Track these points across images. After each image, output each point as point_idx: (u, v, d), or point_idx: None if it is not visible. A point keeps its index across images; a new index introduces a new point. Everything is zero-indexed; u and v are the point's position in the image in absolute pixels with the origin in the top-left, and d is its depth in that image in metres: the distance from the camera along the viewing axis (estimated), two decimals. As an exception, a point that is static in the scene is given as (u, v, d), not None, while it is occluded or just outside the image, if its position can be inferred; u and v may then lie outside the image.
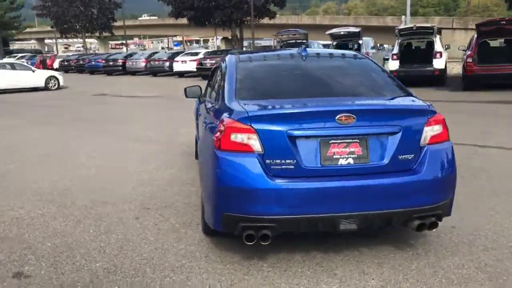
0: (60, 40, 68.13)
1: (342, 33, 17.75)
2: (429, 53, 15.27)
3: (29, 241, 3.74)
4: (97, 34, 52.73)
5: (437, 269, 3.12)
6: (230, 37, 38.56)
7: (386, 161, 3.00)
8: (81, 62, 33.77)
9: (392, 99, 3.37)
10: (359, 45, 17.36)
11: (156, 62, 27.45)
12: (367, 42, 18.42)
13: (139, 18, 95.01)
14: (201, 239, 3.64)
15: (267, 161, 2.91)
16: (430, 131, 3.09)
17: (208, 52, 26.95)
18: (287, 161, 2.90)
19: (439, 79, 15.04)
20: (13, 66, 20.59)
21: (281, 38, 20.76)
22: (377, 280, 2.99)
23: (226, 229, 3.06)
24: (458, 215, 3.94)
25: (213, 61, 22.52)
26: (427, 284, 2.92)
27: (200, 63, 23.23)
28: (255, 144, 2.91)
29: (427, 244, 3.50)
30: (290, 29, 20.94)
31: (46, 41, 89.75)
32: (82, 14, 47.02)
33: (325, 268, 3.15)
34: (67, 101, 15.68)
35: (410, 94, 3.44)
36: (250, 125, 2.91)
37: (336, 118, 2.91)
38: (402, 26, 15.75)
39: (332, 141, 2.95)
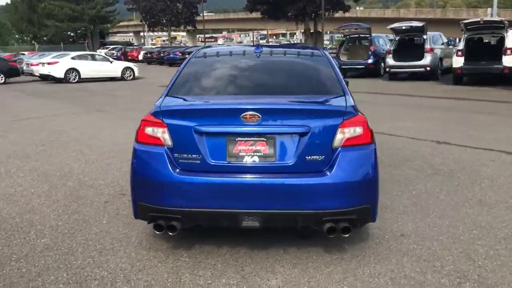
0: (156, 34, 72.11)
1: (404, 27, 16.93)
2: (498, 50, 14.09)
3: (4, 215, 4.19)
4: (181, 27, 55.07)
5: (348, 275, 3.02)
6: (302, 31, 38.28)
7: (292, 161, 2.96)
8: (161, 54, 35.56)
9: (313, 99, 3.28)
10: (424, 40, 16.46)
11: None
12: (434, 37, 17.36)
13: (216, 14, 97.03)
14: (146, 227, 3.83)
15: (175, 154, 3.02)
16: (345, 133, 2.99)
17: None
18: (193, 155, 2.99)
19: (510, 78, 13.84)
20: (93, 57, 22.34)
21: (343, 32, 20.31)
22: (279, 280, 2.97)
23: (141, 218, 3.21)
24: (421, 224, 3.77)
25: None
26: (325, 289, 2.86)
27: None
28: (165, 137, 3.03)
29: (360, 249, 3.38)
30: (352, 23, 20.38)
31: (142, 34, 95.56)
32: (168, 8, 49.38)
33: (238, 264, 3.18)
34: (132, 91, 16.73)
35: (344, 95, 3.32)
36: (162, 120, 3.04)
37: (241, 116, 2.93)
38: (469, 20, 14.64)
39: (238, 138, 2.98)
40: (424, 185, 4.86)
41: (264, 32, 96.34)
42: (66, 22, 52.61)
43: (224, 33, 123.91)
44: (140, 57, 39.24)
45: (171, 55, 33.33)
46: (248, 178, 2.94)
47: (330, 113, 3.01)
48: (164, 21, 51.63)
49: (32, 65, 22.25)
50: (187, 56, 28.99)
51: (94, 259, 3.28)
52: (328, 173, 2.94)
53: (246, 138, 2.98)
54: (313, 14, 34.13)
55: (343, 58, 19.70)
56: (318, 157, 2.96)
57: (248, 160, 2.97)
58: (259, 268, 3.12)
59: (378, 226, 3.75)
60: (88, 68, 21.40)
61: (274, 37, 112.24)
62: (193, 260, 3.25)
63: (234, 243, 3.46)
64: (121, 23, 78.89)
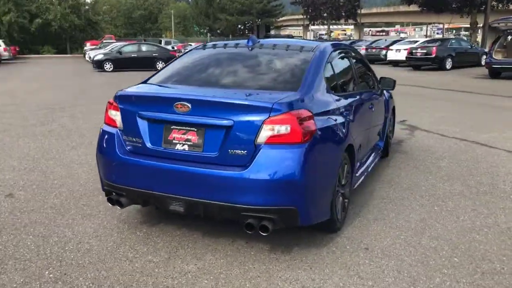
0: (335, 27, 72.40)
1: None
2: None
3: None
4: (342, 21, 54.68)
5: (274, 276, 2.96)
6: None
7: (217, 153, 2.99)
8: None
9: (254, 93, 3.19)
10: None
11: (373, 50, 27.19)
12: None
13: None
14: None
15: (124, 137, 3.31)
16: (269, 130, 2.90)
17: (427, 40, 25.14)
18: (136, 139, 3.24)
19: None
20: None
21: (498, 26, 17.81)
22: (193, 265, 3.06)
23: (104, 191, 3.58)
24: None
25: (424, 51, 21.14)
26: (196, 281, 2.86)
27: (410, 52, 22.04)
28: (118, 120, 3.34)
29: (305, 254, 3.25)
30: (509, 17, 17.64)
31: (312, 27, 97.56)
32: (329, 1, 49.48)
33: (176, 246, 3.33)
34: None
35: (299, 92, 3.19)
36: (117, 104, 3.36)
37: (174, 105, 3.07)
38: None
39: (173, 126, 3.12)
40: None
41: (440, 25, 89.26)
42: (235, 15, 56.79)
43: (397, 26, 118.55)
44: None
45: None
46: (176, 165, 3.08)
47: (255, 109, 2.94)
48: (325, 14, 51.91)
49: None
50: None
51: (37, 230, 3.63)
52: (248, 169, 2.90)
53: (180, 127, 3.11)
54: (483, 6, 30.52)
55: (497, 56, 17.41)
56: (240, 151, 2.93)
57: (179, 148, 3.11)
58: (189, 253, 3.24)
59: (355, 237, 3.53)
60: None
61: (453, 31, 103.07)
62: (143, 236, 3.53)
63: (193, 228, 3.62)
64: (288, 17, 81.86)
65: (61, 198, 4.33)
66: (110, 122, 3.41)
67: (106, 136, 3.40)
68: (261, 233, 2.96)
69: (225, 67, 3.81)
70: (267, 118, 2.89)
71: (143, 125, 3.21)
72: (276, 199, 2.89)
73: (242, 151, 2.92)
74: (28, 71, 23.90)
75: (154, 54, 23.57)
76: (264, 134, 2.89)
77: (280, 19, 70.98)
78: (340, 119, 3.51)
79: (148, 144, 3.19)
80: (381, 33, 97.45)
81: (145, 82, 3.73)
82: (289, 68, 3.62)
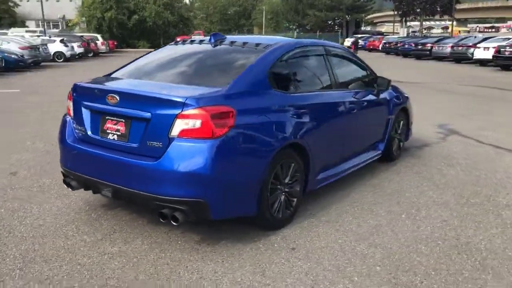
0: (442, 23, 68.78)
1: None
2: None
3: None
4: (437, 17, 51.60)
5: (164, 262, 3.08)
6: None
7: (138, 144, 3.15)
8: (398, 45, 34.51)
9: (180, 88, 3.32)
10: None
11: (460, 48, 25.38)
12: None
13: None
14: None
15: (73, 125, 3.60)
16: (181, 124, 2.99)
17: (519, 38, 22.87)
18: (81, 128, 3.50)
19: None
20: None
21: None
22: (117, 248, 3.26)
23: (62, 174, 3.88)
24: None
25: (513, 49, 19.36)
26: (107, 262, 3.02)
27: (498, 51, 20.26)
28: (71, 109, 3.64)
29: (224, 247, 3.30)
30: None
31: (411, 23, 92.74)
32: (423, -4, 46.99)
33: (138, 232, 3.55)
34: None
35: (226, 87, 3.25)
36: (72, 94, 3.65)
37: (106, 97, 3.28)
38: None
39: (107, 117, 3.34)
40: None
41: None
42: (324, 11, 56.16)
43: (510, 22, 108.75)
44: (380, 46, 38.96)
45: (406, 46, 32.01)
46: (106, 153, 3.29)
47: (171, 103, 3.04)
48: (418, 10, 49.34)
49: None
50: (419, 47, 26.83)
51: (45, 199, 4.18)
52: (161, 160, 3.03)
53: (112, 118, 3.31)
54: None
55: None
56: (157, 143, 3.06)
57: (110, 138, 3.32)
58: (121, 237, 3.45)
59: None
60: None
61: None
62: (94, 217, 3.80)
63: (142, 215, 3.82)
64: (380, 14, 78.81)
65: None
66: (67, 111, 3.72)
67: (63, 124, 3.72)
68: (173, 223, 3.07)
69: (176, 62, 3.95)
70: (180, 112, 2.98)
71: (86, 114, 3.47)
72: (184, 191, 2.99)
73: (158, 143, 3.06)
74: (118, 61, 25.74)
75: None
76: (177, 127, 2.99)
77: (372, 15, 68.84)
78: (282, 117, 3.49)
79: (89, 133, 3.44)
80: (490, 30, 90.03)
81: (108, 74, 3.99)
82: (232, 65, 3.66)
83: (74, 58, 26.99)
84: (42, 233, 3.50)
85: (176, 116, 2.99)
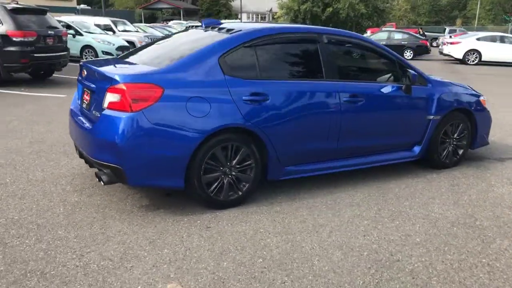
0: None
1: None
2: None
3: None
4: None
5: (100, 225, 3.55)
6: None
7: (91, 112, 3.68)
8: None
9: (125, 66, 3.82)
10: None
11: None
12: None
13: None
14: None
15: (78, 98, 4.31)
16: (110, 97, 3.39)
17: None
18: (78, 101, 4.21)
19: None
20: (502, 40, 20.73)
21: None
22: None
23: None
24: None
25: None
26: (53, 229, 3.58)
27: None
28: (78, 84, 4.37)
29: (170, 218, 3.62)
30: None
31: None
32: None
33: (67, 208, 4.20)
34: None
35: (162, 67, 3.55)
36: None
37: (82, 71, 3.89)
38: None
39: (84, 88, 3.96)
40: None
41: None
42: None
43: None
44: None
45: None
46: (78, 120, 3.91)
47: (105, 78, 3.45)
48: None
49: (444, 44, 22.98)
50: None
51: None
52: (93, 127, 3.52)
53: (85, 89, 3.92)
54: None
55: None
56: (97, 112, 3.55)
57: (84, 106, 3.93)
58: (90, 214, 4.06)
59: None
60: (492, 51, 20.28)
61: None
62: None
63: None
64: None
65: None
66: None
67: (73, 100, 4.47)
68: (101, 183, 3.53)
69: (163, 46, 4.33)
70: (109, 86, 3.40)
71: (79, 88, 4.16)
72: (106, 157, 3.41)
73: (97, 112, 3.54)
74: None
75: (403, 43, 23.00)
76: (107, 100, 3.42)
77: None
78: (226, 101, 3.56)
79: (79, 102, 4.12)
80: None
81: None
82: (192, 48, 3.82)
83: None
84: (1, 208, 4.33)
85: (107, 90, 3.41)
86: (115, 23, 18.05)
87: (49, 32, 10.12)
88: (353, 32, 4.63)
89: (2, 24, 9.42)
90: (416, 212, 3.85)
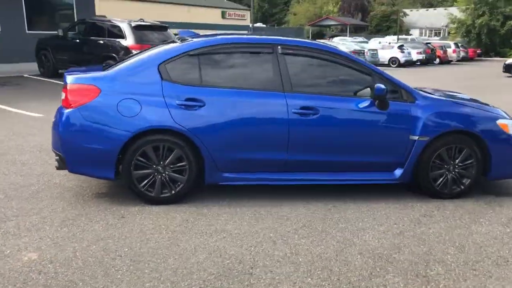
0: None
1: None
2: None
3: None
4: None
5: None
6: None
7: (64, 109, 4.38)
8: None
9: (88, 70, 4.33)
10: None
11: None
12: None
13: None
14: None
15: None
16: (62, 95, 4.01)
17: None
18: None
19: None
20: None
21: None
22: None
23: None
24: None
25: None
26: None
27: None
28: None
29: (124, 207, 4.15)
30: None
31: None
32: None
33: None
34: None
35: (103, 72, 4.03)
36: None
37: None
38: None
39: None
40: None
41: None
42: None
43: None
44: None
45: None
46: None
47: (64, 79, 4.07)
48: None
49: None
50: None
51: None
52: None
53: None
54: None
55: None
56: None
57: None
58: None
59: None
60: None
61: None
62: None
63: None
64: None
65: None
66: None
67: None
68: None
69: (135, 56, 4.76)
70: (63, 87, 4.05)
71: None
72: (56, 147, 4.06)
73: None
74: (439, 72, 24.78)
75: None
76: (61, 98, 4.07)
77: None
78: (159, 104, 3.89)
79: None
80: None
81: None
82: (144, 56, 4.20)
83: (410, 64, 27.69)
84: None
85: (62, 89, 4.06)
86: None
87: (163, 45, 11.58)
88: (317, 42, 4.46)
89: (126, 39, 11.17)
90: (340, 235, 3.58)
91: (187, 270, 2.98)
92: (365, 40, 38.00)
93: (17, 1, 14.88)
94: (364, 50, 24.20)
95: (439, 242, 3.50)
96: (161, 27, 12.09)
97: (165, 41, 5.49)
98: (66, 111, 3.92)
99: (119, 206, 4.03)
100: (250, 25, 53.07)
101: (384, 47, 28.54)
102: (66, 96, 3.94)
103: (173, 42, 4.58)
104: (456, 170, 4.39)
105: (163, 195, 4.05)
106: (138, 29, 11.34)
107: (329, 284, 2.87)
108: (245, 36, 4.45)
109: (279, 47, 4.20)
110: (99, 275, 2.89)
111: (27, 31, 15.14)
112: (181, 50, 4.11)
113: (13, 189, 4.38)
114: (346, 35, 50.03)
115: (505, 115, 4.60)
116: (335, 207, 4.14)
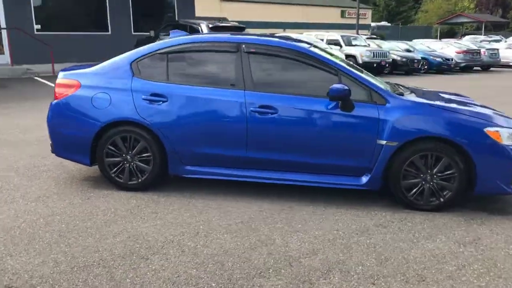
0: None
1: None
2: None
3: None
4: None
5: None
6: None
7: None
8: None
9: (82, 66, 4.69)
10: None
11: None
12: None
13: None
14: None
15: None
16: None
17: None
18: None
19: None
20: None
21: None
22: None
23: None
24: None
25: None
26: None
27: None
28: None
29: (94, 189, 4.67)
30: None
31: None
32: None
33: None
34: None
35: (89, 67, 4.48)
36: None
37: None
38: None
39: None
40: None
41: None
42: None
43: None
44: None
45: None
46: None
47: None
48: None
49: None
50: None
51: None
52: None
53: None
54: None
55: None
56: None
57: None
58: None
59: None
60: None
61: None
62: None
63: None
64: None
65: None
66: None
67: None
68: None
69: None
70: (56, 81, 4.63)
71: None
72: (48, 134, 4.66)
73: None
74: None
75: None
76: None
77: None
78: (127, 98, 4.26)
79: None
80: None
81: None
82: (123, 54, 4.55)
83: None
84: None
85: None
86: (347, 38, 18.94)
87: (237, 45, 12.07)
88: (284, 41, 4.36)
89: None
90: (267, 234, 3.56)
91: (95, 248, 3.27)
92: (501, 38, 34.60)
93: (126, 7, 16.65)
94: (480, 50, 22.02)
95: (364, 253, 3.28)
96: (239, 28, 12.60)
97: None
98: (53, 102, 4.48)
99: (93, 189, 4.48)
100: (372, 24, 51.51)
101: (511, 47, 25.62)
102: (54, 89, 4.50)
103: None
104: (435, 181, 4.00)
105: (131, 182, 4.40)
106: (214, 30, 11.95)
107: (207, 276, 2.93)
108: (212, 36, 4.57)
109: (243, 46, 4.27)
110: (22, 243, 3.33)
111: (133, 33, 16.86)
112: (152, 48, 4.41)
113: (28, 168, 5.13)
114: (481, 33, 45.98)
115: (501, 123, 4.04)
116: (290, 208, 4.08)
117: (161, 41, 4.52)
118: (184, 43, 4.41)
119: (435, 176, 3.99)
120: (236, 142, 4.17)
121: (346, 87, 3.92)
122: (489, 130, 3.92)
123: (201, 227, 3.67)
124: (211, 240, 3.45)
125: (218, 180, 4.43)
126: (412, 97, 4.19)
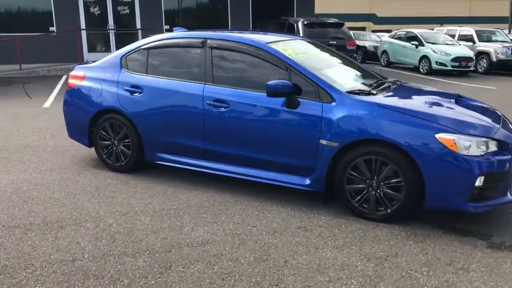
0: None
1: None
2: None
3: None
4: None
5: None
6: None
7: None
8: None
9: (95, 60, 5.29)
10: None
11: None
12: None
13: None
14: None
15: None
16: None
17: None
18: None
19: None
20: None
21: None
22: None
23: None
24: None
25: None
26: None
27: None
28: None
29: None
30: None
31: None
32: None
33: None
34: None
35: (95, 61, 5.09)
36: None
37: None
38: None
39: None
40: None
41: None
42: None
43: None
44: None
45: None
46: None
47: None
48: None
49: None
50: None
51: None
52: None
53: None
54: None
55: None
56: None
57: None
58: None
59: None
60: None
61: None
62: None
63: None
64: None
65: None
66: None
67: None
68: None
69: None
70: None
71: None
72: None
73: None
74: None
75: None
76: (71, 81, 5.42)
77: None
78: (113, 88, 4.79)
79: None
80: None
81: None
82: (120, 49, 5.04)
83: None
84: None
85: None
86: (484, 33, 16.84)
87: (330, 42, 11.86)
88: (246, 37, 4.29)
89: (299, 35, 12.00)
90: (189, 221, 3.71)
91: (36, 214, 3.84)
92: None
93: (246, 6, 17.52)
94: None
95: (250, 250, 3.21)
96: (336, 24, 12.36)
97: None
98: (66, 91, 5.24)
99: (92, 168, 5.12)
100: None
101: None
102: (68, 80, 5.26)
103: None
104: (382, 189, 3.63)
105: (117, 164, 4.92)
106: (308, 27, 11.99)
107: (91, 245, 3.24)
108: (186, 33, 4.75)
109: (208, 41, 4.42)
110: (-7, 203, 4.09)
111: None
112: (139, 44, 4.84)
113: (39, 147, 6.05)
114: None
115: (466, 131, 3.46)
116: (234, 202, 4.12)
117: (147, 38, 4.93)
118: (162, 39, 4.74)
119: (382, 184, 3.62)
120: (196, 133, 4.37)
121: (286, 83, 3.79)
122: (441, 136, 3.40)
123: (136, 209, 3.98)
124: (132, 221, 3.72)
125: (188, 169, 4.66)
126: (364, 97, 3.83)
